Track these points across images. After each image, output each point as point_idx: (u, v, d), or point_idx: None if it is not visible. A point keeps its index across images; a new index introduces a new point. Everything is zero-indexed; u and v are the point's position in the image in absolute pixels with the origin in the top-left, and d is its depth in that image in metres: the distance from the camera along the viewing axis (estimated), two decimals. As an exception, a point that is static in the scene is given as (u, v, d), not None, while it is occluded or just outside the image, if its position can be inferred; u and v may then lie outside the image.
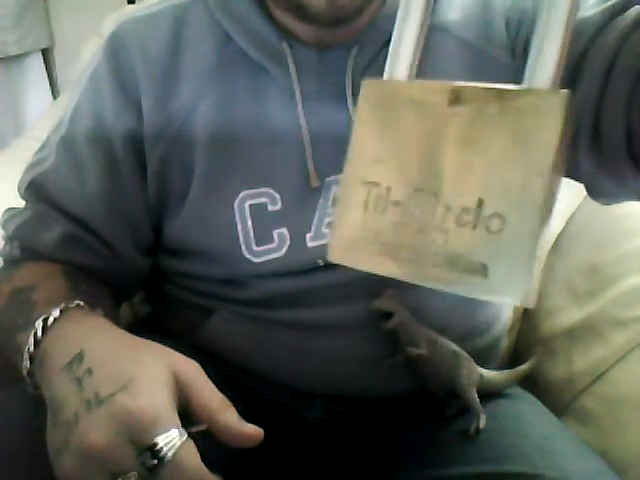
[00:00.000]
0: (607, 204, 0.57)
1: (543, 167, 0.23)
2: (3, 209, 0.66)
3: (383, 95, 0.27)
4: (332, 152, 0.48)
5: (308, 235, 0.60)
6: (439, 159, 0.25)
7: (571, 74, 0.49)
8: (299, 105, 0.58)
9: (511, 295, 0.23)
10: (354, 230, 0.27)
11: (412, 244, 0.25)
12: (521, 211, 0.23)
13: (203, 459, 0.38)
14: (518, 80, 0.25)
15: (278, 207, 0.59)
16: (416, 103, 0.26)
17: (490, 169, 0.24)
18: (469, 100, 0.25)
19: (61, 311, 0.49)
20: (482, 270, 0.24)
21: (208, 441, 0.39)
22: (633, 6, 0.46)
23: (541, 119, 0.23)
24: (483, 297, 0.24)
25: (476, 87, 0.25)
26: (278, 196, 0.59)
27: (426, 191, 0.25)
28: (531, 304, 0.23)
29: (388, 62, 0.28)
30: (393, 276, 0.26)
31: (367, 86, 0.28)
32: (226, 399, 0.41)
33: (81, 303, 0.51)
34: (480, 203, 0.24)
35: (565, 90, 0.23)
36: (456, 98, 0.25)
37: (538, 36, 0.24)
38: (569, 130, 0.23)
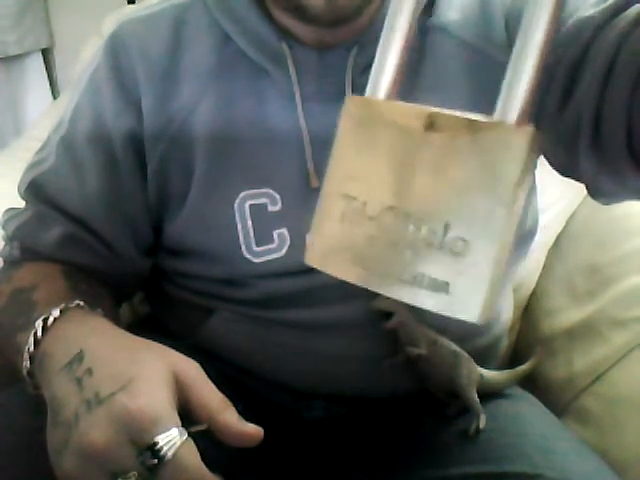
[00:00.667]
0: (607, 204, 0.57)
1: (506, 198, 0.24)
2: (3, 209, 0.66)
3: (365, 112, 0.28)
4: (332, 152, 0.48)
5: (308, 235, 0.60)
6: (411, 181, 0.26)
7: (571, 73, 0.49)
8: (299, 106, 0.58)
9: (468, 314, 0.25)
10: (331, 239, 0.29)
11: (382, 257, 0.27)
12: (483, 237, 0.24)
13: (203, 459, 0.38)
14: None
15: (278, 207, 0.59)
16: (394, 124, 0.27)
17: (457, 196, 0.25)
18: (443, 128, 0.26)
19: (61, 311, 0.49)
20: (444, 288, 0.25)
21: (208, 441, 0.39)
22: (633, 5, 0.46)
23: (507, 152, 0.24)
24: (443, 313, 0.25)
25: (450, 115, 0.26)
26: (278, 196, 0.59)
27: (398, 209, 0.27)
28: (483, 321, 0.25)
29: (371, 79, 0.28)
30: (363, 285, 0.27)
31: (351, 102, 0.29)
32: (226, 399, 0.41)
33: (81, 303, 0.51)
34: (446, 226, 0.25)
35: (531, 126, 0.24)
36: (431, 124, 0.26)
37: (511, 68, 0.25)
38: (534, 164, 0.25)
